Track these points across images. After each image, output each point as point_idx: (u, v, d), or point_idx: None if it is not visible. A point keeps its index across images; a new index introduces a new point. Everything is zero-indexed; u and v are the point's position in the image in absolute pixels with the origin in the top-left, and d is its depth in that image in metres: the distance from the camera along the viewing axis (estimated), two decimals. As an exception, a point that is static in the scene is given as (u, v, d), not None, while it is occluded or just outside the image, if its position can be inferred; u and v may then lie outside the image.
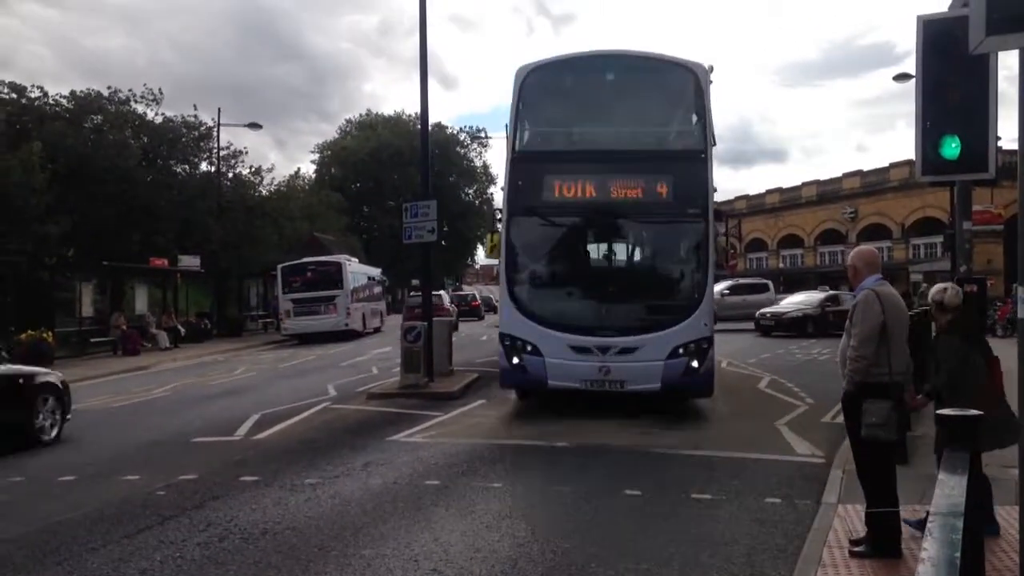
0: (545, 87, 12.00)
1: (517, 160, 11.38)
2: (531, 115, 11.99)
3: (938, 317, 5.41)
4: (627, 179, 11.04)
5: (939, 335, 5.51)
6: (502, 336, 11.05)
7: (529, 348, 10.69)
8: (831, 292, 28.54)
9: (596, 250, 12.11)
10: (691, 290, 10.87)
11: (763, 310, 27.85)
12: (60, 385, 10.65)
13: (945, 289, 5.42)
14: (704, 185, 10.87)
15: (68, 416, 10.70)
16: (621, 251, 12.36)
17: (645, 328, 10.58)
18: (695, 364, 10.34)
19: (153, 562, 5.34)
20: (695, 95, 11.32)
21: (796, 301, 28.18)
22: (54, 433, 10.27)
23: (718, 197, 12.07)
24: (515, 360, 10.83)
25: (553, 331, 10.63)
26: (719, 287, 30.36)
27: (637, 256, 12.40)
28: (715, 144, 11.41)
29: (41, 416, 10.12)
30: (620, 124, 12.14)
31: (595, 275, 11.60)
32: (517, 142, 11.51)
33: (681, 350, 10.32)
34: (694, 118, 11.55)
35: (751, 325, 27.37)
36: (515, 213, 11.23)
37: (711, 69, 11.43)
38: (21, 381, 10.15)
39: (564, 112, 12.52)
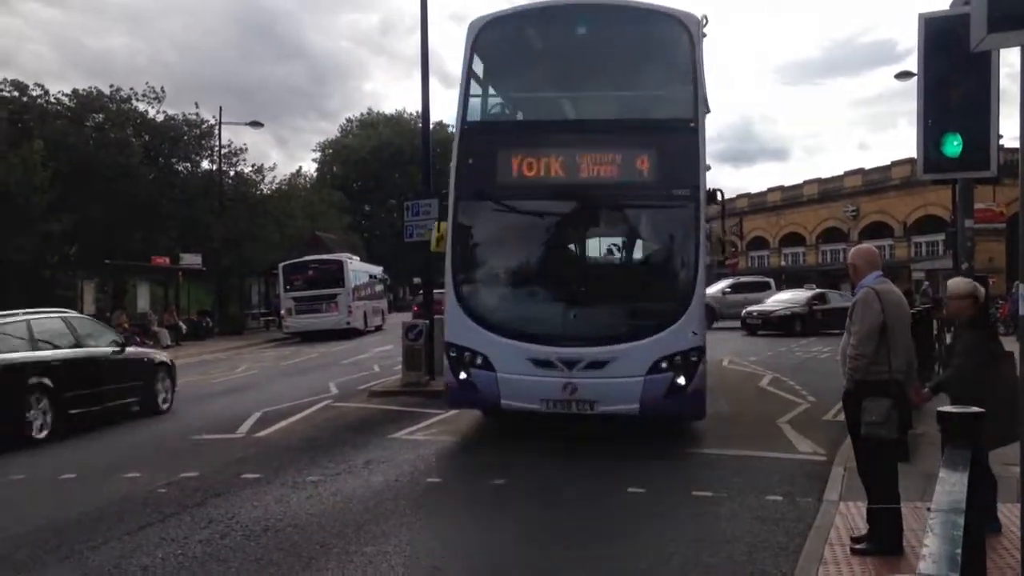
0: (503, 45, 10.10)
1: (467, 133, 9.46)
2: (486, 78, 10.20)
3: (967, 311, 5.36)
4: (601, 155, 9.11)
5: (965, 329, 5.47)
6: (447, 346, 9.13)
7: (479, 361, 8.76)
8: (818, 290, 28.12)
9: (563, 242, 9.98)
10: (677, 290, 8.91)
11: (749, 308, 27.10)
12: (170, 364, 12.62)
13: (974, 285, 5.43)
14: (694, 161, 8.89)
15: (176, 390, 12.66)
16: (593, 243, 10.38)
17: (620, 337, 8.67)
18: (681, 381, 8.42)
19: (155, 559, 5.35)
20: (685, 52, 9.29)
21: (783, 299, 27.56)
22: (167, 405, 12.19)
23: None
24: (462, 375, 8.90)
25: (508, 340, 8.71)
26: (720, 285, 30.08)
27: (612, 249, 10.46)
28: (709, 111, 9.70)
29: (159, 387, 12.05)
30: (593, 88, 10.48)
31: (560, 272, 9.57)
32: (468, 111, 9.55)
33: (664, 364, 8.41)
34: (683, 80, 9.46)
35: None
36: (464, 197, 9.34)
37: (705, 21, 9.46)
38: (145, 360, 12.08)
39: (526, 75, 10.69)
